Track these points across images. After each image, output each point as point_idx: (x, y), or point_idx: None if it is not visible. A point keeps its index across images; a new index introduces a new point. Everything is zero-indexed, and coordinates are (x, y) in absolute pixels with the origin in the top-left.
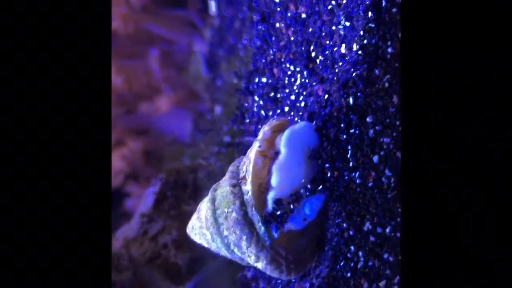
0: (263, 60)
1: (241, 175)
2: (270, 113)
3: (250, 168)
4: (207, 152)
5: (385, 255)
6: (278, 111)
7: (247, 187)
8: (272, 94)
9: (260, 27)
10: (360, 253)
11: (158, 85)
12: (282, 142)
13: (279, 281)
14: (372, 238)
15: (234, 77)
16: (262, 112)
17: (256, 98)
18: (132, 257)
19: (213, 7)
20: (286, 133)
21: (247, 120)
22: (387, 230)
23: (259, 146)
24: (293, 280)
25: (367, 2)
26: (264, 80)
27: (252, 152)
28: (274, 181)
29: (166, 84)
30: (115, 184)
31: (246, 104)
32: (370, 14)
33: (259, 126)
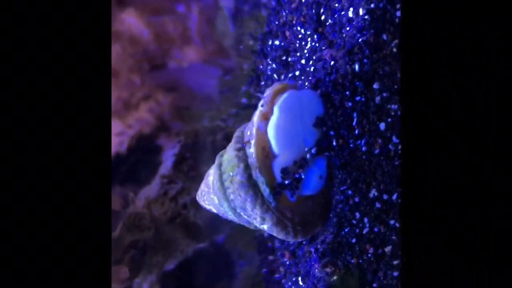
0: (276, 22)
1: (246, 139)
2: (282, 77)
3: (254, 132)
4: (225, 114)
5: (391, 221)
6: (290, 75)
7: (251, 149)
8: (284, 57)
9: None
10: (365, 220)
11: (187, 39)
12: (276, 104)
13: (291, 242)
14: (377, 205)
15: (250, 38)
16: (275, 75)
17: (270, 62)
18: (153, 216)
19: None
20: (284, 95)
21: (262, 83)
22: (394, 197)
23: (262, 106)
24: (304, 242)
25: None
26: (277, 42)
27: (255, 116)
28: (272, 142)
29: (195, 38)
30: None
31: (261, 67)
32: None
33: None
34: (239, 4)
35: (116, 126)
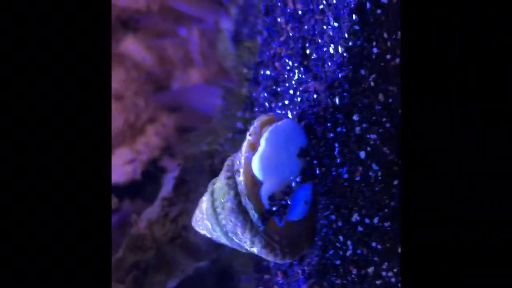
0: (268, 53)
1: (235, 167)
2: (273, 105)
3: (242, 161)
4: (223, 138)
5: (373, 244)
6: (280, 103)
7: (240, 178)
8: (274, 87)
9: (265, 19)
10: (349, 242)
11: (190, 61)
12: (263, 136)
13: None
14: (360, 228)
15: (244, 67)
16: (267, 103)
17: (261, 90)
18: (155, 237)
19: None
20: (270, 128)
21: (256, 109)
22: (375, 220)
23: (250, 135)
24: (295, 263)
25: (352, 5)
26: (268, 72)
27: (244, 146)
28: (255, 170)
29: (197, 60)
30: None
31: (255, 94)
32: (354, 16)
33: None
34: (239, 27)
35: (126, 154)
